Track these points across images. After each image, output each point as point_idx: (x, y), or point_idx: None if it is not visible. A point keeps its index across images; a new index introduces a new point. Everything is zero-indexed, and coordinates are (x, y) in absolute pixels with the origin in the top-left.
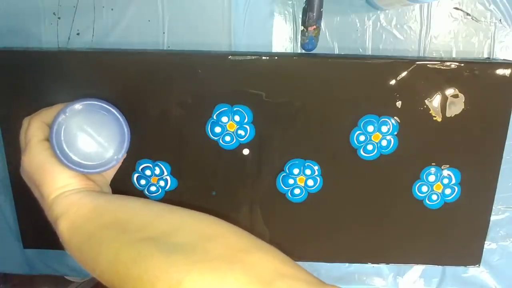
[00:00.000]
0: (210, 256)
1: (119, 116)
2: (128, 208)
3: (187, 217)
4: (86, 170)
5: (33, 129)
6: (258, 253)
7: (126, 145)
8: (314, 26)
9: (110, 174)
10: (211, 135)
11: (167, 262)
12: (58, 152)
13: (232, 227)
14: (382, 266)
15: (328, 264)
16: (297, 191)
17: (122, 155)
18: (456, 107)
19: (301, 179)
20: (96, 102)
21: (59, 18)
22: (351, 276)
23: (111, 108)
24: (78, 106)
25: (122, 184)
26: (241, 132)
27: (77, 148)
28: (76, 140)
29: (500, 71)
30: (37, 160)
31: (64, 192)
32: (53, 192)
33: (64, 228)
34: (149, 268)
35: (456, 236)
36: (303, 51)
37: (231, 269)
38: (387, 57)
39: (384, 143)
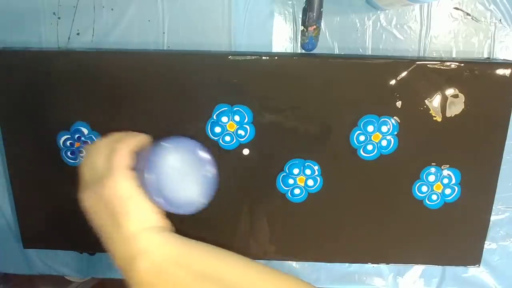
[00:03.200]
0: None
1: (210, 159)
2: (220, 261)
3: (283, 280)
4: (172, 209)
5: (121, 156)
6: None
7: (213, 189)
8: (314, 26)
9: None
10: (211, 135)
11: None
12: (150, 185)
13: None
14: (382, 266)
15: (328, 264)
16: (297, 191)
17: (208, 198)
18: (456, 107)
19: (301, 179)
20: (192, 142)
21: (59, 18)
22: (351, 276)
23: (204, 150)
24: (174, 143)
25: None
26: (241, 132)
27: (166, 184)
28: (167, 176)
29: (500, 71)
30: (123, 189)
31: (145, 228)
32: (133, 225)
33: (146, 267)
34: None
35: (456, 236)
36: (303, 51)
37: None
38: (387, 57)
39: (384, 143)
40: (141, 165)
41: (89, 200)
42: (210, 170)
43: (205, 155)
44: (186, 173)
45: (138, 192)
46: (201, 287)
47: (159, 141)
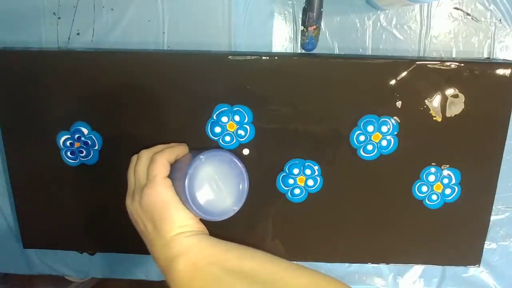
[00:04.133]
0: None
1: (243, 170)
2: (253, 259)
3: (315, 278)
4: (206, 216)
5: (160, 166)
6: None
7: (244, 198)
8: (314, 26)
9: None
10: (211, 135)
11: None
12: (188, 194)
13: None
14: (382, 266)
15: (328, 264)
16: (297, 191)
17: (239, 207)
18: (456, 107)
19: (301, 179)
20: (227, 154)
21: (59, 18)
22: (351, 276)
23: (237, 162)
24: (212, 154)
25: (122, 184)
26: (241, 132)
27: (201, 193)
28: (203, 185)
29: (500, 71)
30: (162, 196)
31: (184, 232)
32: (173, 230)
33: (184, 267)
34: None
35: (456, 236)
36: (303, 51)
37: None
38: (387, 57)
39: (384, 143)
40: (178, 174)
41: (132, 207)
42: (243, 180)
43: (239, 166)
44: (221, 182)
45: (175, 200)
46: (235, 283)
47: (197, 152)
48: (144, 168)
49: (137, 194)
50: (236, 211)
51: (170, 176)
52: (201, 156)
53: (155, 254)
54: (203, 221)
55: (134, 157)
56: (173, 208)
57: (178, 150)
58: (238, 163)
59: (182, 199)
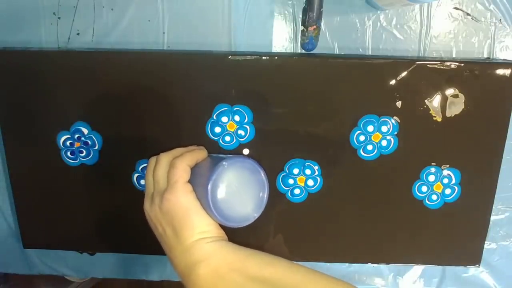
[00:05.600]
0: None
1: (263, 177)
2: (274, 266)
3: (337, 285)
4: (228, 223)
5: (180, 171)
6: None
7: (264, 204)
8: (314, 26)
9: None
10: (211, 135)
11: None
12: (211, 201)
13: None
14: (382, 266)
15: (328, 264)
16: (297, 191)
17: (259, 214)
18: (456, 107)
19: (301, 179)
20: (249, 160)
21: (59, 18)
22: (351, 276)
23: (259, 169)
24: (235, 161)
25: (122, 184)
26: (241, 132)
27: (223, 199)
28: (224, 192)
29: (500, 71)
30: (182, 202)
31: (204, 238)
32: (193, 236)
33: (205, 273)
34: None
35: (456, 236)
36: (303, 51)
37: None
38: (387, 57)
39: (384, 143)
40: (200, 179)
41: (151, 212)
42: (263, 187)
43: (259, 173)
44: (241, 189)
45: (196, 205)
46: None
47: (217, 156)
48: (164, 172)
49: (157, 198)
50: (256, 217)
51: (190, 181)
52: (224, 163)
53: (175, 260)
54: (222, 226)
55: (152, 160)
56: (194, 214)
57: (198, 155)
58: (260, 170)
59: (204, 205)
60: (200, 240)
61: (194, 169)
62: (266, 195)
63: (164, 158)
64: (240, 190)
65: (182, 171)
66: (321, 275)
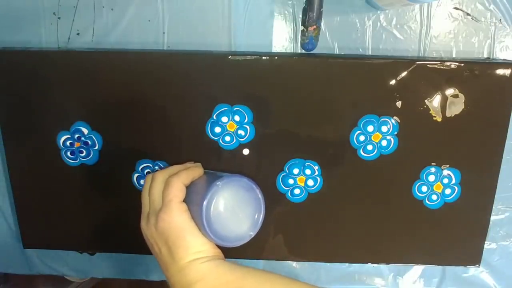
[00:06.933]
0: None
1: (259, 195)
2: (271, 284)
3: None
4: (223, 243)
5: (175, 190)
6: None
7: (260, 223)
8: (314, 26)
9: None
10: (211, 135)
11: None
12: (205, 222)
13: None
14: (382, 266)
15: (328, 264)
16: (297, 191)
17: (255, 232)
18: (456, 107)
19: (301, 179)
20: (244, 179)
21: (59, 18)
22: (351, 276)
23: (255, 187)
24: (230, 180)
25: (122, 184)
26: (241, 132)
27: (218, 219)
28: (219, 211)
29: (500, 71)
30: (177, 221)
31: (199, 258)
32: (188, 256)
33: None
34: None
35: (456, 236)
36: (303, 51)
37: None
38: (387, 57)
39: (384, 143)
40: (195, 198)
41: (148, 231)
42: (259, 205)
43: (254, 191)
44: (237, 208)
45: (190, 225)
46: None
47: (213, 174)
48: (159, 191)
49: (152, 218)
50: (252, 236)
51: (185, 199)
52: (218, 183)
53: (171, 279)
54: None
55: (149, 178)
56: (189, 234)
57: (194, 172)
58: (255, 188)
59: (198, 225)
60: (195, 260)
61: (190, 187)
62: (262, 215)
63: (160, 177)
64: (235, 209)
65: (177, 190)
66: None
